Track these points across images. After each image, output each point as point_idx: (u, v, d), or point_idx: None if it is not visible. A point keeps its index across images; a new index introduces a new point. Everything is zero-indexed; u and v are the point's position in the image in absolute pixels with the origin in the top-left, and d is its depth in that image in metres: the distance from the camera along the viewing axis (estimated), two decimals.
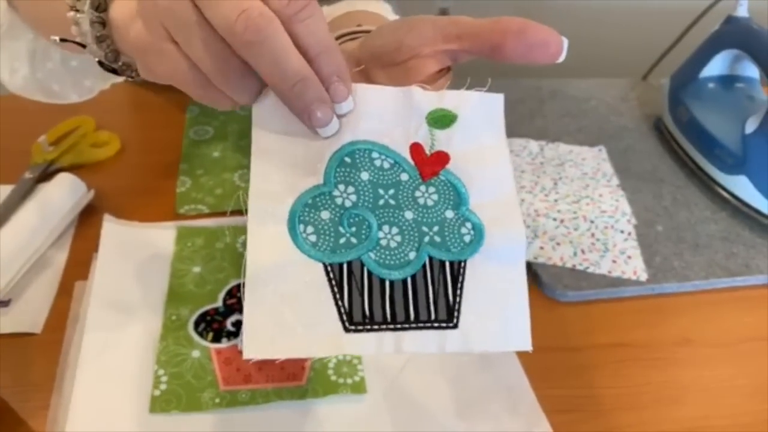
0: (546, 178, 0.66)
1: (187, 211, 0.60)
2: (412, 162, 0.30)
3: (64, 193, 0.58)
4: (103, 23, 0.33)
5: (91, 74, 0.52)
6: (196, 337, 0.47)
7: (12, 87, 0.52)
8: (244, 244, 0.56)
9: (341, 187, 0.29)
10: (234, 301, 0.50)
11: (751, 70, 0.72)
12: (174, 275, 0.52)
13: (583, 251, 0.58)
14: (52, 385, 0.44)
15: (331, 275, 0.28)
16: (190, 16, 0.27)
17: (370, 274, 0.28)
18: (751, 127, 0.63)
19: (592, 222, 0.61)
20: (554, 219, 0.61)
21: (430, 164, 0.30)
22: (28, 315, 0.49)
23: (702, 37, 0.74)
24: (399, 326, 0.28)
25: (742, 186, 0.63)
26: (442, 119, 0.30)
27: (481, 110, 0.31)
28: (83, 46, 0.34)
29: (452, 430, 0.43)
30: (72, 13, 0.33)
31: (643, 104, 0.82)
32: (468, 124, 0.30)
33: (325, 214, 0.28)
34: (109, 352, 0.45)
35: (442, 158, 0.30)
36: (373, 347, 0.28)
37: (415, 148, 0.30)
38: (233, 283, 0.52)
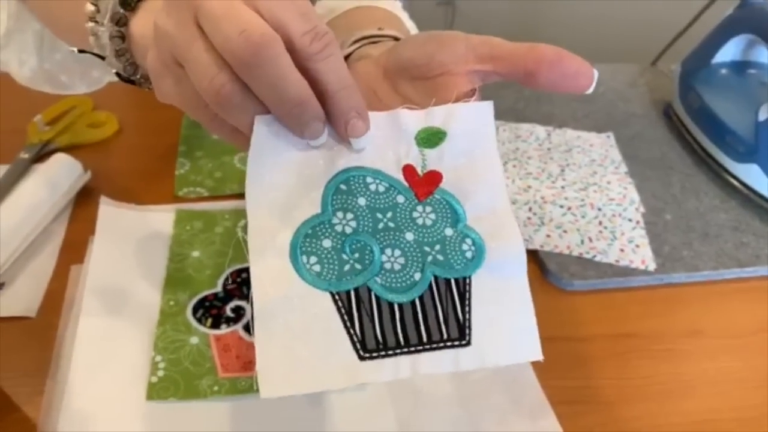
0: (553, 165, 0.65)
1: (186, 193, 0.58)
2: (406, 184, 0.30)
3: (60, 174, 0.57)
4: (123, 37, 0.33)
5: (99, 65, 0.52)
6: (194, 323, 0.46)
7: (20, 79, 0.51)
8: (243, 229, 0.55)
9: (339, 214, 0.29)
10: (234, 287, 0.49)
11: (765, 56, 0.71)
12: (172, 259, 0.51)
13: (590, 239, 0.56)
14: (46, 371, 0.43)
15: (340, 304, 0.27)
16: (192, 36, 0.26)
17: (378, 299, 0.28)
18: (764, 114, 0.61)
19: (599, 210, 0.60)
20: (561, 206, 0.60)
21: (424, 185, 0.30)
22: (23, 298, 0.48)
23: (713, 22, 0.72)
24: (413, 349, 0.28)
25: (753, 174, 0.62)
26: (431, 138, 0.30)
27: (470, 122, 0.30)
28: (101, 57, 0.34)
29: (455, 421, 0.43)
30: (91, 25, 0.33)
31: (652, 90, 0.80)
32: (458, 139, 0.30)
33: (326, 243, 0.28)
34: (105, 338, 0.45)
35: (434, 178, 0.30)
36: (390, 373, 0.27)
37: (408, 170, 0.30)
38: (233, 268, 0.51)
